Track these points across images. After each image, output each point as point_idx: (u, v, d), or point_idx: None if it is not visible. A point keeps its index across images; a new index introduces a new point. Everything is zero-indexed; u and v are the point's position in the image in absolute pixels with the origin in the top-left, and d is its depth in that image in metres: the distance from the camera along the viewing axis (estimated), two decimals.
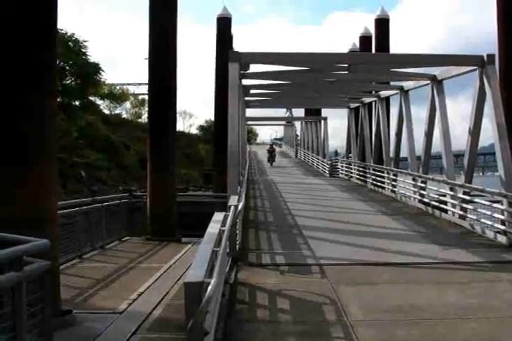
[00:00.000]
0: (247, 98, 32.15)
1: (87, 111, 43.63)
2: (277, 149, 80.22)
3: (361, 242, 14.85)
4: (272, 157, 53.75)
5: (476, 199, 17.98)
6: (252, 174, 40.93)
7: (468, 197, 18.32)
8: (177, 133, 27.12)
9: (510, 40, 23.40)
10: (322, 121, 51.20)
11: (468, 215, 17.96)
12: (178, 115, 26.59)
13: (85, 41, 38.59)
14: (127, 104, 71.85)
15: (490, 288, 10.57)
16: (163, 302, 10.42)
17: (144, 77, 23.15)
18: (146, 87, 24.15)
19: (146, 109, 39.29)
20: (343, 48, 47.88)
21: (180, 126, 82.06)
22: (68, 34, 37.80)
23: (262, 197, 26.76)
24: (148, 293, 11.33)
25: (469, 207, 17.96)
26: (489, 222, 16.53)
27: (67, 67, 38.05)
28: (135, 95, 71.57)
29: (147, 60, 22.93)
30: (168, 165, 21.86)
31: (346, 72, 24.20)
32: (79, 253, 15.72)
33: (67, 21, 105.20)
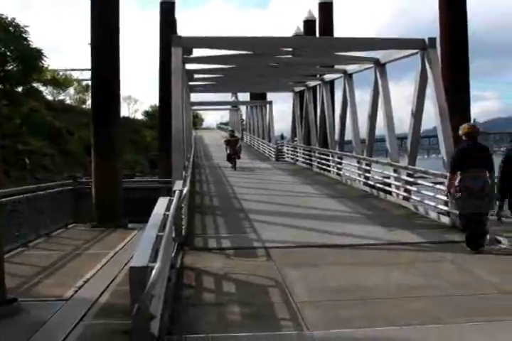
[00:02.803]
0: (191, 83, 32.02)
1: (30, 97, 42.96)
2: (223, 134, 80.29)
3: (307, 225, 14.97)
4: (233, 154, 33.70)
5: (420, 181, 18.21)
6: (198, 159, 40.83)
7: (411, 179, 18.55)
8: (122, 119, 26.87)
9: (451, 21, 23.69)
10: (267, 105, 51.26)
11: (412, 197, 18.20)
12: (122, 100, 26.50)
13: (26, 26, 37.84)
14: (71, 90, 70.87)
15: (434, 268, 10.75)
16: (110, 288, 10.35)
17: (88, 63, 23.06)
18: (90, 72, 23.77)
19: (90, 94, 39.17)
20: (289, 32, 47.79)
21: (126, 111, 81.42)
22: (9, 19, 37.08)
23: (208, 182, 26.79)
24: (94, 279, 11.24)
25: (413, 188, 18.19)
26: (432, 203, 16.77)
27: (8, 53, 37.36)
28: (79, 81, 70.55)
29: (89, 46, 22.65)
30: (113, 152, 21.66)
31: (291, 56, 24.29)
32: (24, 241, 15.51)
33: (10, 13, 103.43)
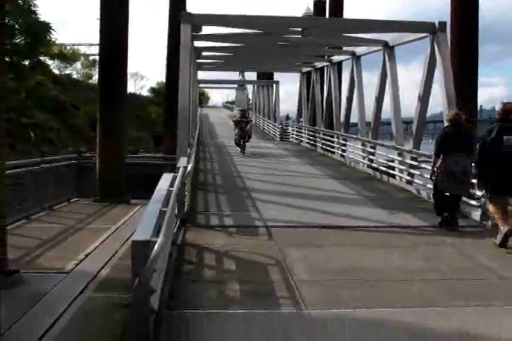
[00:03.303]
0: (199, 60, 31.93)
1: (37, 71, 42.85)
2: (229, 112, 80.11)
3: (309, 205, 15.01)
4: (242, 137, 29.76)
5: (424, 165, 18.20)
6: (203, 137, 40.83)
7: (415, 163, 18.55)
8: (128, 95, 26.89)
9: (462, 5, 23.56)
10: (274, 85, 51.19)
11: (415, 180, 18.20)
12: (129, 76, 26.42)
13: None
14: (78, 65, 70.71)
15: (434, 252, 10.78)
16: (111, 262, 10.44)
17: (96, 38, 22.97)
18: (97, 47, 23.75)
19: (97, 69, 39.01)
20: (299, 12, 47.61)
21: (132, 87, 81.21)
22: None
23: (212, 160, 26.86)
24: (95, 253, 11.33)
25: (416, 172, 18.18)
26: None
27: (16, 26, 37.19)
28: (86, 56, 70.37)
29: (99, 21, 22.60)
30: (119, 127, 21.70)
31: (299, 36, 24.20)
32: (26, 213, 15.60)
33: None
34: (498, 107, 12.23)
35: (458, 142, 12.54)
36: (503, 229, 11.00)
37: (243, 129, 29.46)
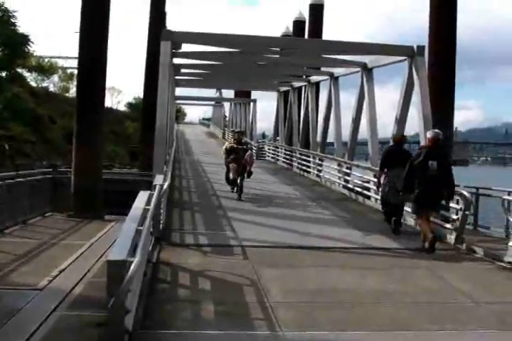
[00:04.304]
0: (177, 77, 31.98)
1: (14, 82, 42.66)
2: (205, 129, 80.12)
3: (285, 225, 15.00)
4: (238, 172, 20.17)
5: None
6: (179, 153, 40.76)
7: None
8: (105, 109, 26.77)
9: (440, 30, 23.74)
10: (251, 103, 51.27)
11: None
12: (106, 91, 26.21)
13: (15, 11, 37.56)
14: (55, 78, 70.36)
15: (408, 275, 10.82)
16: (85, 279, 10.33)
17: (74, 51, 22.92)
18: (76, 60, 23.68)
19: (75, 83, 38.83)
20: (278, 31, 47.81)
21: (109, 102, 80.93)
22: None
23: (188, 177, 26.78)
24: (69, 270, 11.21)
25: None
26: (409, 210, 16.82)
27: None
28: (64, 69, 70.10)
29: (78, 34, 22.51)
30: (95, 141, 21.58)
31: (278, 55, 24.31)
32: (0, 227, 15.45)
33: None
34: (429, 135, 13.54)
35: (399, 159, 14.40)
36: (429, 235, 12.85)
37: (238, 160, 20.18)
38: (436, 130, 14.03)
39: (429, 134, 13.62)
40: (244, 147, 21.27)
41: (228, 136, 47.65)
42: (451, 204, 14.31)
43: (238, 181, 19.74)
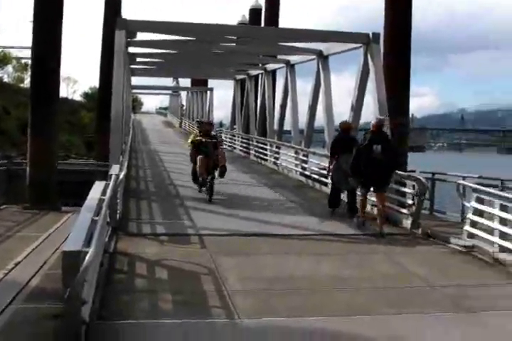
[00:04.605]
0: (133, 66, 31.77)
1: None
2: (162, 118, 79.75)
3: (242, 213, 15.01)
4: (208, 170, 17.24)
5: None
6: (136, 143, 40.51)
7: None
8: (60, 99, 26.47)
9: (396, 16, 23.84)
10: (208, 92, 51.21)
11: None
12: (61, 81, 25.88)
13: None
14: (9, 68, 69.41)
15: (365, 260, 10.92)
16: (41, 272, 10.23)
17: (28, 41, 22.48)
18: (30, 50, 23.33)
19: (29, 73, 38.48)
20: (235, 19, 47.73)
21: (64, 92, 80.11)
22: None
23: (145, 167, 26.64)
24: (25, 262, 11.09)
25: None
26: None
27: None
28: (18, 59, 69.20)
29: (32, 23, 22.22)
30: (50, 132, 21.32)
31: (234, 44, 24.26)
32: None
33: None
34: (373, 121, 14.36)
35: (347, 146, 14.97)
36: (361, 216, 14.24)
37: (208, 156, 17.34)
38: (380, 117, 15.50)
39: (373, 121, 14.44)
40: (214, 140, 18.05)
41: (192, 128, 47.16)
42: (406, 190, 14.64)
43: (208, 180, 16.93)
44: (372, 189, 14.32)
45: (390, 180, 14.42)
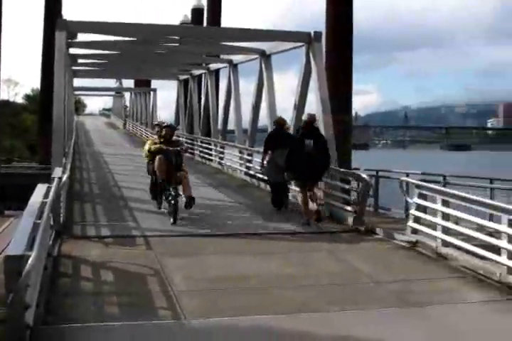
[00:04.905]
0: (75, 67, 31.46)
1: None
2: (106, 120, 79.14)
3: (186, 215, 14.95)
4: (170, 182, 14.37)
5: None
6: (79, 145, 40.14)
7: None
8: (1, 102, 26.14)
9: (337, 15, 24.08)
10: (151, 93, 51.00)
11: (292, 187, 18.46)
12: (2, 83, 25.55)
13: None
14: None
15: (310, 257, 10.98)
16: None
17: None
18: None
19: None
20: (177, 19, 47.53)
21: (5, 94, 79.05)
22: None
23: (89, 169, 26.43)
24: None
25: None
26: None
27: None
28: None
29: None
30: None
31: (177, 44, 24.19)
32: None
33: None
34: (304, 117, 15.29)
35: (281, 140, 15.51)
36: (313, 208, 14.42)
37: (171, 168, 14.53)
38: (312, 113, 16.06)
39: (304, 117, 15.32)
40: (178, 149, 14.90)
41: (140, 130, 46.98)
42: (350, 187, 14.93)
43: (171, 193, 13.96)
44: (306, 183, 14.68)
45: (323, 174, 14.99)
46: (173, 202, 13.82)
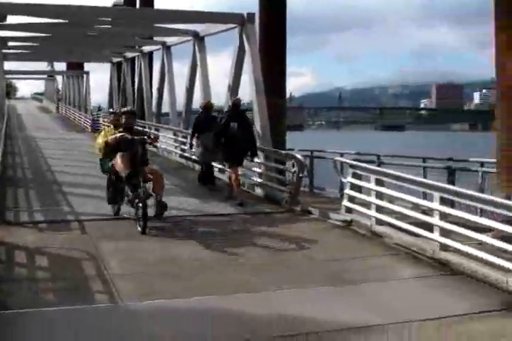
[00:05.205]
0: (5, 50, 30.84)
1: None
2: (38, 104, 77.93)
3: None
4: (136, 185, 11.57)
5: None
6: (11, 129, 39.44)
7: None
8: None
9: None
10: (84, 76, 50.35)
11: (226, 169, 18.47)
12: None
13: None
14: None
15: (246, 238, 11.02)
16: None
17: None
18: None
19: None
20: (109, 1, 46.85)
21: None
22: None
23: (21, 154, 26.02)
24: None
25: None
26: (247, 175, 17.19)
27: None
28: None
29: None
30: None
31: (109, 26, 23.90)
32: None
33: None
34: (230, 101, 16.06)
35: (208, 124, 16.00)
36: (235, 189, 14.80)
37: (136, 157, 11.88)
38: (238, 97, 16.80)
39: (230, 101, 15.94)
40: (145, 138, 12.21)
41: (80, 116, 46.92)
42: (285, 168, 15.34)
43: (140, 195, 11.38)
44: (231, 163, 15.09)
45: (246, 155, 15.37)
46: (141, 204, 11.12)
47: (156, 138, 14.69)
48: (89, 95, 48.70)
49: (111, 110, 16.21)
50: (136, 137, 11.93)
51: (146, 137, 12.21)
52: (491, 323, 6.97)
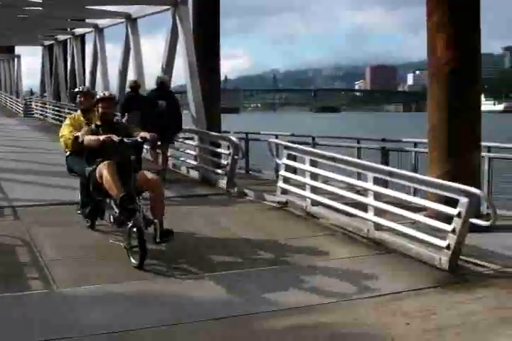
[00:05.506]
0: None
1: None
2: None
3: (56, 183, 14.56)
4: (129, 194, 8.27)
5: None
6: None
7: None
8: None
9: None
10: (15, 59, 49.39)
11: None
12: None
13: None
14: None
15: (183, 221, 10.93)
16: None
17: None
18: None
19: None
20: None
21: None
22: None
23: None
24: None
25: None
26: (183, 158, 17.17)
27: None
28: None
29: None
30: None
31: (40, 8, 23.48)
32: None
33: None
34: (158, 80, 15.96)
35: (136, 103, 15.93)
36: (159, 167, 14.84)
37: (129, 173, 8.62)
38: (165, 76, 17.65)
39: (158, 79, 15.96)
40: (138, 141, 8.92)
41: (11, 101, 45.89)
42: (220, 150, 15.29)
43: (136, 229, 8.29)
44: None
45: (174, 134, 15.91)
46: (138, 233, 8.20)
47: (154, 136, 9.25)
48: (20, 79, 47.80)
49: (77, 89, 9.69)
50: (127, 140, 8.72)
51: (139, 139, 8.87)
52: (425, 300, 7.09)
